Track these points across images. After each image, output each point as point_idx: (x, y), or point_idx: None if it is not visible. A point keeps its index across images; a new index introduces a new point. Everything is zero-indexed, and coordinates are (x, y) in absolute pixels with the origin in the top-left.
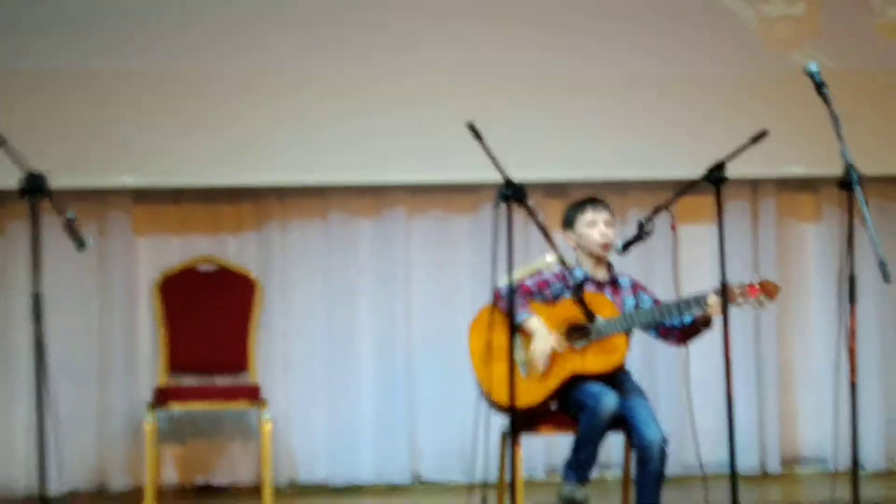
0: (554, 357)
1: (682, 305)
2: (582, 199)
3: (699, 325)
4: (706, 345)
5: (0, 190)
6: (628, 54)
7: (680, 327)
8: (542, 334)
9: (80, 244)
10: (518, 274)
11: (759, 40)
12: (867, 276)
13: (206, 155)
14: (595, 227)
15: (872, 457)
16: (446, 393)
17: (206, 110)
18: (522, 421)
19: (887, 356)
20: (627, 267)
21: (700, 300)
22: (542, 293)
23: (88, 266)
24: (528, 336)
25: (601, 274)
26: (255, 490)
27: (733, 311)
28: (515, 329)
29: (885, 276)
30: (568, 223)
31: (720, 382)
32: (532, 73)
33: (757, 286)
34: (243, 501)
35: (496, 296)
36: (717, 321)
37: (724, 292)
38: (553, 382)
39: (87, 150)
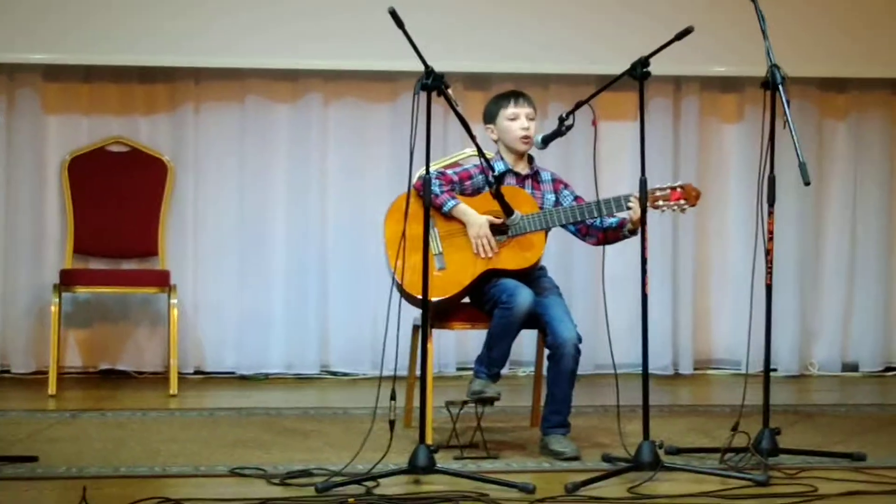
0: (468, 253)
1: (603, 205)
2: (505, 92)
3: (624, 232)
4: (623, 243)
5: None
6: None
7: (602, 229)
8: (475, 219)
9: None
10: (436, 166)
11: None
12: (787, 178)
13: (120, 33)
14: (517, 120)
15: (785, 361)
16: (359, 283)
17: None
18: (435, 315)
19: (804, 259)
20: (547, 161)
21: (621, 200)
22: (462, 184)
23: None
24: (448, 225)
25: (522, 167)
26: (161, 377)
27: (653, 210)
28: (445, 217)
29: (805, 178)
30: (490, 116)
31: (636, 281)
32: None
33: (679, 190)
34: (148, 388)
35: (418, 184)
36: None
37: (643, 188)
38: (467, 277)
39: None
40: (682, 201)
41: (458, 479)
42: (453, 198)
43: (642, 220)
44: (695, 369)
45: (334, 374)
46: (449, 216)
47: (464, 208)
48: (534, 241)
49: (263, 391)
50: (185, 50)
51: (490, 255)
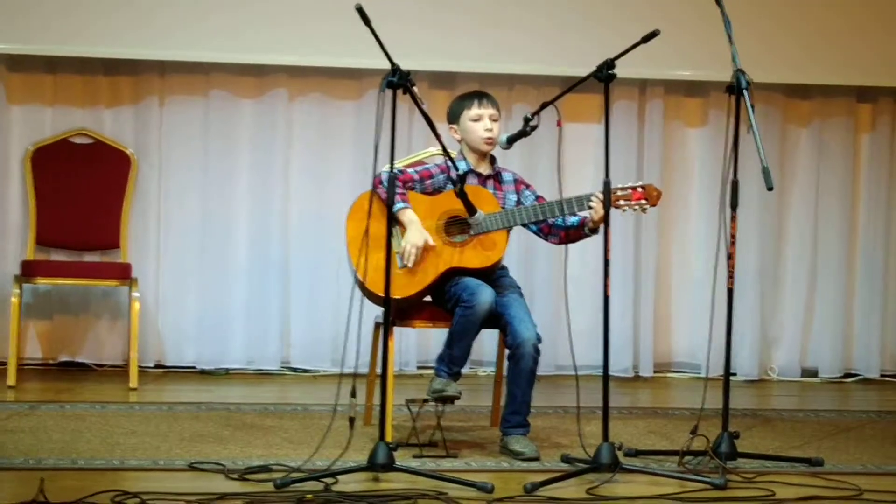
0: (428, 251)
1: (564, 204)
2: (469, 92)
3: (585, 231)
4: (586, 244)
5: None
6: None
7: (564, 227)
8: (415, 228)
9: None
10: (400, 164)
11: None
12: (750, 183)
13: (85, 24)
14: (480, 121)
15: (745, 365)
16: (320, 280)
17: None
18: (396, 313)
19: (765, 264)
20: (511, 162)
21: (583, 200)
22: (423, 183)
23: None
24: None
25: (485, 168)
26: (121, 370)
27: (615, 211)
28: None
29: (768, 183)
30: (453, 116)
31: (597, 282)
32: None
33: (640, 190)
34: (108, 381)
35: (376, 182)
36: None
37: (607, 191)
38: (429, 276)
39: None
40: (643, 201)
41: (417, 478)
42: (403, 200)
43: (605, 222)
44: (655, 372)
45: (295, 370)
46: (395, 217)
47: (409, 214)
48: (496, 241)
49: (223, 386)
50: (151, 42)
51: (410, 265)
